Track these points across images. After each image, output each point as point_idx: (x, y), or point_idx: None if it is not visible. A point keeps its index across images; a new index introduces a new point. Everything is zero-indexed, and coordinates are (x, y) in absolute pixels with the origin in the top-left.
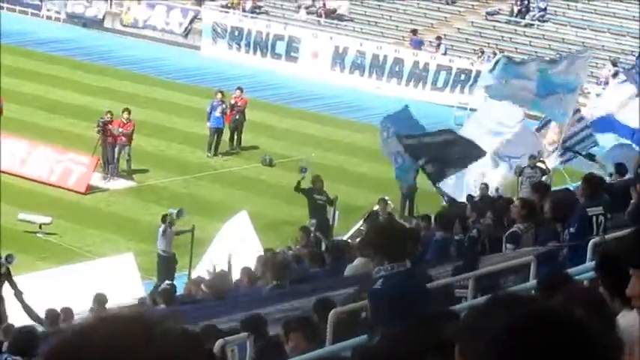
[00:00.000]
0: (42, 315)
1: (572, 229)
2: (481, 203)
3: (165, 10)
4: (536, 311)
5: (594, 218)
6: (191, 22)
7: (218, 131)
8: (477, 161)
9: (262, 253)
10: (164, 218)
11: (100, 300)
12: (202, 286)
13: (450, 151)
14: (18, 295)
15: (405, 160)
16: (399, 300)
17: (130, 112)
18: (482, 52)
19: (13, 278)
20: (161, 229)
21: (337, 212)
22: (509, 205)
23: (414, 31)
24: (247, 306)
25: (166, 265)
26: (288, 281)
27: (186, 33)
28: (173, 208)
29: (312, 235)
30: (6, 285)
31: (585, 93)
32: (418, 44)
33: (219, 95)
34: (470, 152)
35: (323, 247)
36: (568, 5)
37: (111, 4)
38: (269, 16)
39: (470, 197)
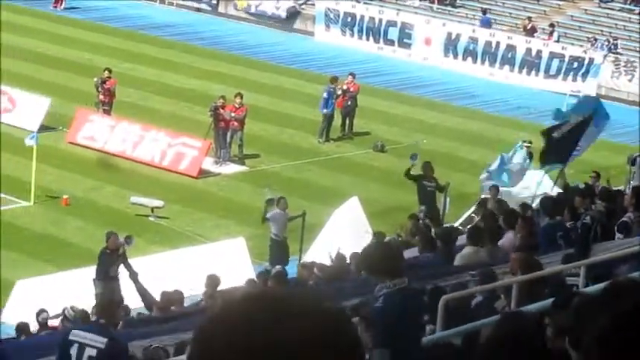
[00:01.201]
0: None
1: None
2: (590, 191)
3: None
4: None
5: None
6: (301, 6)
7: (330, 117)
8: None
9: (372, 238)
10: (277, 202)
11: (213, 282)
12: (315, 270)
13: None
14: (133, 276)
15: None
16: (401, 316)
17: (242, 97)
18: (595, 40)
19: (129, 260)
20: (272, 213)
21: (448, 199)
22: (621, 193)
23: (485, 11)
24: (356, 292)
25: (278, 250)
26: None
27: (295, 18)
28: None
29: (420, 222)
30: (121, 267)
31: None
32: (487, 23)
33: (332, 81)
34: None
35: (432, 234)
36: None
37: None
38: (382, 3)
39: (577, 187)
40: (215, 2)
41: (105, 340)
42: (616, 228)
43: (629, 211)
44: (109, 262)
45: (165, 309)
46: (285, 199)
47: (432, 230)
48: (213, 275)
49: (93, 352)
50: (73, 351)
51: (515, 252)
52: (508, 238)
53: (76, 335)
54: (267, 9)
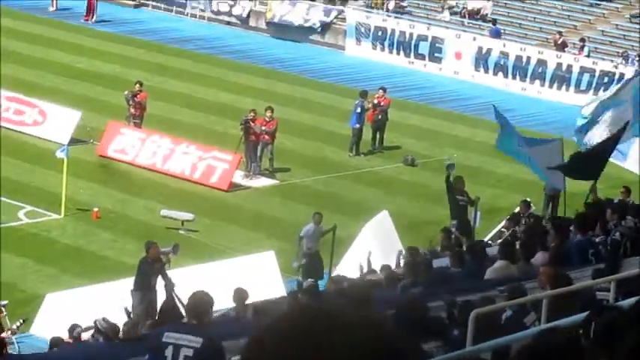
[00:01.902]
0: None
1: None
2: (622, 206)
3: (306, 7)
4: None
5: None
6: (332, 20)
7: (360, 131)
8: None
9: (403, 252)
10: (314, 216)
11: (241, 296)
12: (346, 285)
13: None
14: (169, 286)
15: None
16: None
17: (272, 111)
18: (627, 56)
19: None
20: (307, 228)
21: (479, 213)
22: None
23: (494, 22)
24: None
25: (312, 263)
26: (424, 279)
27: (327, 32)
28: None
29: (452, 235)
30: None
31: None
32: (497, 33)
33: (362, 95)
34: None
35: (464, 248)
36: None
37: (256, 3)
38: (412, 17)
39: (610, 200)
40: (245, 16)
41: (200, 339)
42: None
43: None
44: (150, 272)
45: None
46: (320, 214)
47: (464, 244)
48: (240, 289)
49: (189, 352)
50: (169, 352)
51: (545, 266)
52: (540, 257)
53: (170, 337)
54: (296, 21)
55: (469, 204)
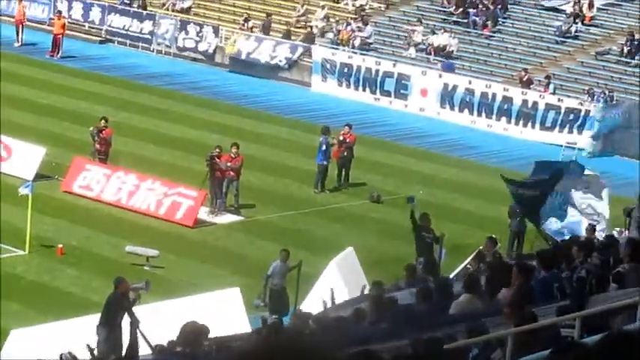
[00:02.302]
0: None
1: None
2: (588, 244)
3: (273, 44)
4: None
5: None
6: (299, 57)
7: (325, 167)
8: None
9: (368, 290)
10: (280, 253)
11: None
12: (310, 322)
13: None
14: (135, 324)
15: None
16: None
17: (238, 147)
18: (593, 93)
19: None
20: (274, 265)
21: (444, 250)
22: (616, 245)
23: (448, 55)
24: (350, 343)
25: (278, 299)
26: (389, 318)
27: (293, 68)
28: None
29: (417, 273)
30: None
31: None
32: (450, 68)
33: (324, 131)
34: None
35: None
36: None
37: (221, 39)
38: (378, 53)
39: (576, 238)
40: (211, 52)
41: None
42: (611, 278)
43: (624, 262)
44: (118, 308)
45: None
46: (287, 251)
47: (429, 282)
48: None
49: None
50: None
51: (509, 304)
52: (505, 293)
53: None
54: (262, 58)
55: (434, 241)
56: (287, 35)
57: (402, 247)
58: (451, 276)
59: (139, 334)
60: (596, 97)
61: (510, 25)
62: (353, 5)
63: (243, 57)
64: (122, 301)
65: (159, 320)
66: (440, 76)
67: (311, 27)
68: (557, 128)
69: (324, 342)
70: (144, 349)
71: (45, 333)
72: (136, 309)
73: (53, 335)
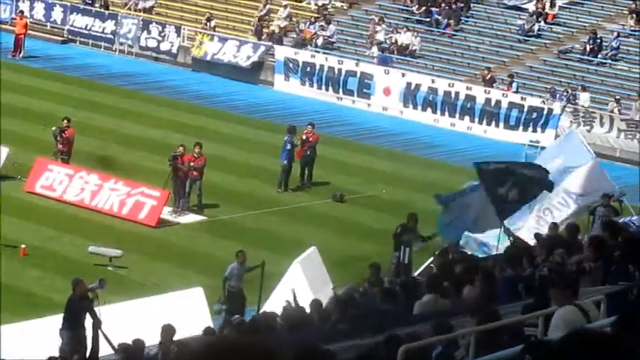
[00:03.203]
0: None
1: None
2: (550, 241)
3: (237, 44)
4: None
5: None
6: (261, 56)
7: (289, 167)
8: (542, 197)
9: (332, 289)
10: (237, 255)
11: (168, 332)
12: (278, 319)
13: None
14: (97, 324)
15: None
16: None
17: (201, 147)
18: (554, 91)
19: (94, 309)
20: (231, 267)
21: (407, 249)
22: (579, 243)
23: (383, 49)
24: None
25: (235, 300)
26: (349, 316)
27: (256, 68)
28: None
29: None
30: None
31: None
32: (385, 61)
33: (290, 131)
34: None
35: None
36: None
37: (184, 39)
38: (341, 53)
39: (538, 235)
40: (175, 52)
41: None
42: (574, 273)
43: (587, 260)
44: (78, 309)
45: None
46: (243, 252)
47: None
48: (167, 325)
49: None
50: None
51: (473, 303)
52: (469, 291)
53: None
54: (226, 58)
55: (422, 240)
56: (259, 34)
57: (366, 245)
58: (415, 274)
59: (101, 335)
60: (558, 95)
61: (473, 23)
62: (316, 4)
63: (208, 58)
64: (81, 303)
65: (122, 320)
66: (403, 75)
67: (281, 26)
68: (520, 127)
69: (285, 341)
70: (106, 350)
71: (7, 333)
72: (99, 309)
73: (16, 336)
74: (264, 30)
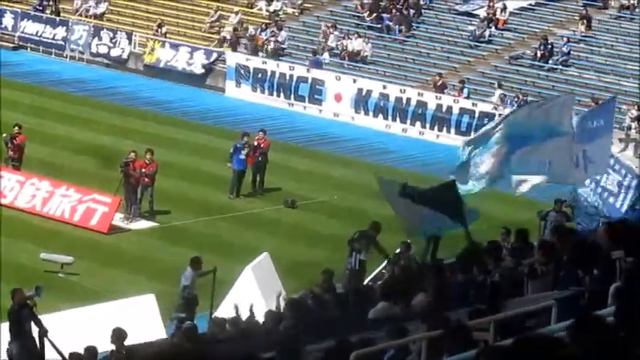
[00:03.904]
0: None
1: (595, 273)
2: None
3: (188, 51)
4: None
5: (617, 262)
6: (213, 63)
7: (241, 173)
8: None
9: (284, 295)
10: (192, 262)
11: (119, 335)
12: (227, 326)
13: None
14: (42, 332)
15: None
16: None
17: (152, 153)
18: (505, 96)
19: (38, 316)
20: (186, 274)
21: (358, 256)
22: (530, 248)
23: (315, 52)
24: (267, 347)
25: (187, 306)
26: (303, 319)
27: (209, 74)
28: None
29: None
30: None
31: None
32: (317, 64)
33: (245, 138)
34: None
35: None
36: (591, 50)
37: (135, 45)
38: (292, 59)
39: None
40: (125, 58)
41: None
42: (526, 274)
43: (536, 264)
44: (20, 319)
45: None
46: (197, 258)
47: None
48: (118, 329)
49: None
50: None
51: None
52: (421, 298)
53: None
54: (180, 65)
55: (380, 252)
56: (234, 45)
57: (317, 251)
58: (366, 281)
59: (47, 343)
60: (509, 101)
61: (424, 29)
62: (267, 10)
63: (162, 65)
64: (22, 312)
65: (74, 327)
66: (354, 81)
67: (238, 31)
68: (472, 132)
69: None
70: (55, 357)
71: None
72: (49, 317)
73: None
74: (215, 36)
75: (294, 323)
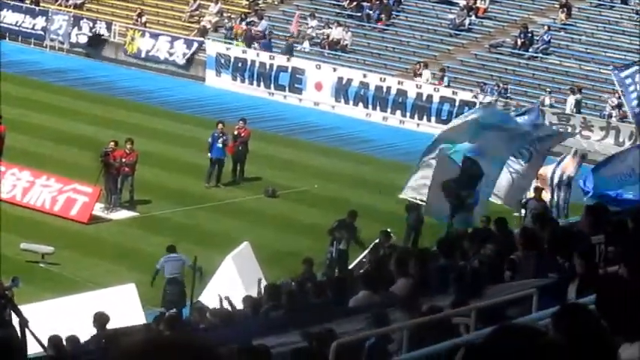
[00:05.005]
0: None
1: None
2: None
3: (169, 40)
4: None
5: (597, 247)
6: (194, 53)
7: (220, 162)
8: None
9: (265, 283)
10: (169, 248)
11: (100, 319)
12: (208, 315)
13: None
14: (23, 322)
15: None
16: None
17: (133, 143)
18: (485, 85)
19: (18, 307)
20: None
21: (339, 245)
22: (510, 235)
23: (265, 35)
24: (249, 334)
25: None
26: (284, 303)
27: (190, 64)
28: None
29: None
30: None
31: (589, 126)
32: (267, 46)
33: (220, 126)
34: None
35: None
36: (572, 38)
37: (114, 35)
38: (272, 48)
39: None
40: (105, 47)
41: None
42: (505, 267)
43: (517, 251)
44: None
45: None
46: (173, 246)
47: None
48: (99, 313)
49: None
50: None
51: (406, 296)
52: (400, 285)
53: None
54: (160, 55)
55: (356, 242)
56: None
57: (298, 241)
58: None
59: (28, 333)
60: (489, 89)
61: (404, 18)
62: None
63: (142, 55)
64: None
65: (55, 317)
66: (334, 70)
67: (221, 21)
68: (452, 120)
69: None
70: (36, 349)
71: None
72: (30, 306)
73: None
74: (195, 25)
75: (273, 306)
